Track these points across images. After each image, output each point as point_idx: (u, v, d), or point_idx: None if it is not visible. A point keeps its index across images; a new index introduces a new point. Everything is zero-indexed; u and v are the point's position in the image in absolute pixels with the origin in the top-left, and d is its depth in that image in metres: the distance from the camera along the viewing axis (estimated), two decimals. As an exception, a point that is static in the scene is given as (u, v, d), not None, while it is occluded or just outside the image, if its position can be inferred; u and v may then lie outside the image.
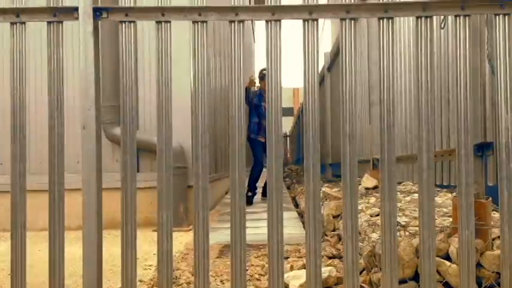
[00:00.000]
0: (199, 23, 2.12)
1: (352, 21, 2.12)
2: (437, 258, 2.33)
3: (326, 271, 2.77)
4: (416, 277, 2.43)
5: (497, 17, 2.09)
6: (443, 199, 3.53)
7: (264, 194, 7.68)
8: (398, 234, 2.43)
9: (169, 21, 2.12)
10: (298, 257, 3.59)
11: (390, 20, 2.11)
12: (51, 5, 2.11)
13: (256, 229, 4.53)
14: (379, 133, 2.11)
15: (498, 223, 2.22)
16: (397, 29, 4.79)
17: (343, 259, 2.13)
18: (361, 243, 2.93)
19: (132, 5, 2.12)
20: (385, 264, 2.08)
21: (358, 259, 2.12)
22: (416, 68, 2.12)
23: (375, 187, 4.77)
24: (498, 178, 2.07)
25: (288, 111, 29.28)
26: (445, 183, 3.81)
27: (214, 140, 7.22)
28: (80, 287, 2.41)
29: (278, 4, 2.11)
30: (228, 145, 2.18)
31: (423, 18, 2.10)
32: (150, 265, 3.51)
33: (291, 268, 3.16)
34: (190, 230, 4.71)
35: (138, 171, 5.79)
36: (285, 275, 2.72)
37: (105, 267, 3.21)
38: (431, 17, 2.11)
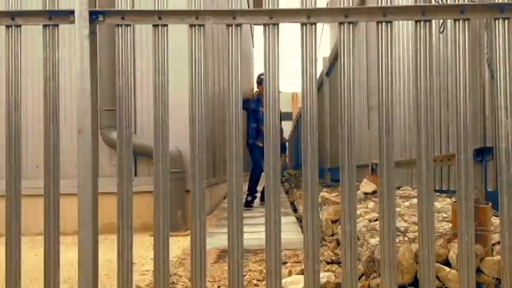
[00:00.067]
0: (197, 26, 2.11)
1: (351, 25, 2.11)
2: (437, 264, 2.31)
3: (324, 276, 2.75)
4: (415, 283, 2.41)
5: (496, 21, 2.08)
6: (443, 204, 3.52)
7: (262, 198, 7.67)
8: (397, 239, 2.41)
9: (166, 25, 2.11)
10: (296, 262, 3.57)
11: (389, 24, 2.10)
12: (47, 8, 2.10)
13: (255, 234, 4.51)
14: (377, 138, 2.10)
15: (498, 228, 2.20)
16: (395, 33, 4.78)
17: (341, 264, 2.12)
18: (359, 249, 2.91)
19: (129, 8, 2.10)
20: (384, 270, 2.07)
21: (356, 264, 2.10)
22: (415, 73, 2.10)
23: (374, 192, 4.76)
24: (498, 183, 2.06)
25: (286, 116, 29.31)
26: (444, 188, 3.80)
27: (213, 144, 7.20)
28: (75, 292, 2.38)
29: (276, 8, 2.10)
30: (226, 150, 2.16)
31: (422, 22, 2.09)
32: (147, 270, 3.48)
33: (290, 273, 3.14)
34: (188, 234, 4.69)
35: (135, 175, 5.78)
36: (283, 280, 2.70)
37: (102, 272, 3.19)
38: (430, 21, 2.10)
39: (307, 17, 2.09)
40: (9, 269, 2.10)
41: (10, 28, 2.11)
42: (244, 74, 7.55)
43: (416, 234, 2.43)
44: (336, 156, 7.82)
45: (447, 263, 2.43)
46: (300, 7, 2.10)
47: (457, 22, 2.09)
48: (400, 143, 4.84)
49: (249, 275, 3.26)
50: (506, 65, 2.05)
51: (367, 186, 5.00)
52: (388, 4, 2.09)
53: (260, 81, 7.39)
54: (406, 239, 2.66)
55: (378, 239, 2.67)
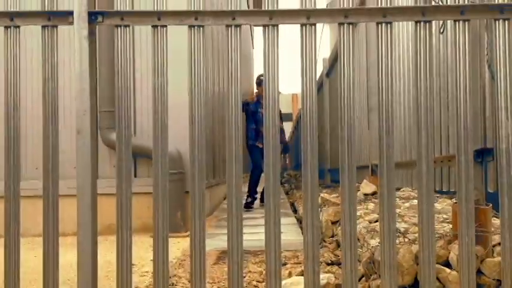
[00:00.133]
0: (196, 27, 2.10)
1: (351, 26, 2.10)
2: (437, 265, 2.30)
3: (324, 278, 2.75)
4: (415, 284, 2.40)
5: (497, 22, 2.07)
6: (443, 205, 3.51)
7: (262, 199, 7.65)
8: (397, 240, 2.40)
9: (166, 26, 2.10)
10: (296, 263, 3.57)
11: (389, 25, 2.09)
12: (46, 9, 2.09)
13: (254, 235, 4.50)
14: (377, 138, 2.09)
15: (498, 230, 2.20)
16: (395, 34, 4.78)
17: (341, 266, 2.11)
18: (360, 250, 2.90)
19: (128, 9, 2.10)
20: (384, 271, 2.06)
21: (357, 266, 2.09)
22: (416, 73, 2.10)
23: (374, 193, 4.75)
24: (498, 184, 2.05)
25: (286, 117, 29.28)
26: (444, 189, 3.79)
27: (212, 145, 7.19)
28: (75, 294, 2.38)
29: (275, 9, 2.09)
30: (226, 151, 2.16)
31: (422, 23, 2.09)
32: (146, 271, 3.47)
33: (289, 275, 3.13)
34: (187, 235, 4.69)
35: (135, 176, 5.78)
36: (283, 282, 2.69)
37: (101, 274, 3.18)
38: (430, 21, 2.09)
39: (307, 17, 2.09)
40: (8, 270, 2.09)
41: (9, 29, 2.10)
42: (244, 75, 7.53)
43: (416, 235, 2.43)
44: (336, 157, 7.81)
45: (447, 264, 2.42)
46: (299, 8, 2.10)
47: (457, 23, 2.08)
48: (400, 144, 4.83)
49: (249, 277, 3.26)
50: (506, 65, 2.04)
51: (367, 187, 4.99)
52: (388, 5, 2.09)
53: (259, 82, 7.36)
54: (406, 240, 2.66)
55: (378, 240, 2.67)
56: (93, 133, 2.08)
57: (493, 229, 2.43)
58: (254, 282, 3.14)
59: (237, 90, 2.12)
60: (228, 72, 2.12)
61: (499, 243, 2.23)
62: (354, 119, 2.10)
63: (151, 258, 2.14)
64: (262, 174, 6.48)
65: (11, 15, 2.08)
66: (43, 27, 2.10)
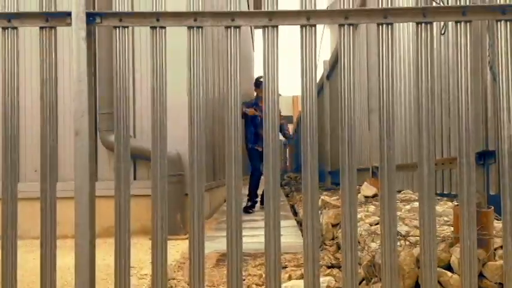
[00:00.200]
0: (195, 28, 2.09)
1: (351, 27, 2.09)
2: (439, 269, 2.29)
3: (325, 281, 2.73)
4: (416, 288, 2.38)
5: (498, 23, 2.06)
6: (444, 208, 3.49)
7: (262, 202, 7.62)
8: (398, 243, 2.39)
9: (164, 27, 2.09)
10: (296, 266, 3.54)
11: (390, 26, 2.08)
12: (44, 10, 2.08)
13: (254, 237, 4.48)
14: (378, 140, 2.08)
15: (500, 233, 2.18)
16: (396, 35, 4.77)
17: (342, 269, 2.10)
18: (360, 253, 2.88)
19: (126, 10, 2.08)
20: (385, 275, 2.04)
21: (357, 269, 2.08)
22: (417, 75, 2.09)
23: (375, 195, 4.73)
24: (500, 187, 2.03)
25: (287, 120, 29.25)
26: (445, 192, 3.77)
27: (212, 147, 7.18)
28: (73, 297, 2.36)
29: (275, 10, 2.08)
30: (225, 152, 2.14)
31: (423, 24, 2.07)
32: (145, 274, 3.45)
33: (289, 278, 3.11)
34: (187, 238, 4.68)
35: (134, 178, 5.76)
36: (283, 285, 2.67)
37: (100, 276, 3.17)
38: (431, 23, 2.08)
39: (307, 18, 2.07)
40: (5, 272, 2.08)
41: (6, 30, 2.09)
42: (244, 77, 7.50)
43: (417, 238, 2.41)
44: (337, 159, 7.79)
45: (449, 267, 2.41)
46: (299, 9, 2.08)
47: (458, 24, 2.07)
48: (401, 146, 4.82)
49: (249, 280, 3.24)
50: (508, 67, 2.03)
51: (367, 189, 4.98)
52: (389, 6, 2.07)
53: (258, 84, 7.28)
54: (407, 243, 2.64)
55: (378, 243, 2.65)
56: (91, 134, 2.07)
57: (494, 232, 2.42)
58: (254, 286, 3.12)
59: (237, 91, 2.10)
60: (227, 73, 2.11)
61: (501, 247, 2.22)
62: (354, 121, 2.08)
63: (151, 261, 2.13)
64: (262, 177, 6.44)
65: (9, 17, 2.07)
66: (41, 28, 2.09)
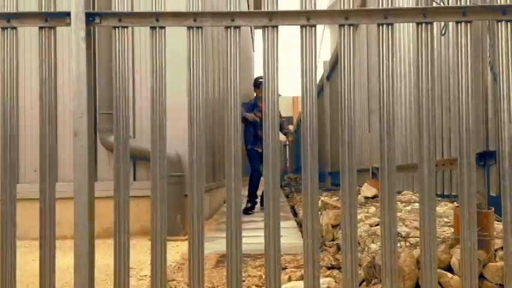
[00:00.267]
0: (195, 28, 2.08)
1: (351, 28, 2.08)
2: (439, 270, 2.28)
3: (325, 282, 2.72)
4: (417, 289, 2.37)
5: (499, 23, 2.05)
6: (444, 209, 3.48)
7: (262, 203, 7.59)
8: (398, 244, 2.38)
9: (164, 27, 2.08)
10: (296, 267, 3.54)
11: (390, 26, 2.07)
12: (43, 10, 2.07)
13: (254, 238, 4.47)
14: (378, 141, 2.07)
15: (501, 234, 2.17)
16: (397, 35, 4.76)
17: (342, 270, 2.09)
18: (360, 254, 2.88)
19: (126, 10, 2.08)
20: (385, 276, 2.03)
21: (357, 270, 2.07)
22: (417, 75, 2.08)
23: (375, 196, 4.73)
24: (501, 188, 2.03)
25: (287, 120, 29.24)
26: (446, 193, 3.76)
27: (213, 148, 7.17)
28: (72, 298, 2.36)
29: (275, 10, 2.07)
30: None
31: (424, 25, 2.07)
32: (145, 275, 3.44)
33: (289, 279, 3.10)
34: (187, 239, 4.68)
35: (134, 179, 5.75)
36: (283, 286, 2.66)
37: (99, 277, 3.16)
38: (432, 23, 2.07)
39: (307, 19, 2.07)
40: (4, 273, 2.07)
41: (6, 30, 2.08)
42: (244, 77, 7.47)
43: (417, 239, 2.40)
44: (337, 160, 7.79)
45: (449, 268, 2.40)
46: (299, 9, 2.07)
47: (459, 24, 2.06)
48: (402, 147, 4.81)
49: (248, 281, 3.23)
50: (509, 67, 2.02)
51: (367, 190, 4.97)
52: (389, 6, 2.07)
53: (258, 85, 7.20)
54: (407, 244, 2.63)
55: (379, 244, 2.64)
56: (90, 135, 2.06)
57: (495, 233, 2.41)
58: (253, 287, 3.11)
59: (237, 91, 2.10)
60: (227, 73, 2.10)
61: (502, 248, 2.21)
62: (354, 121, 2.07)
63: (150, 262, 2.12)
64: (262, 178, 6.41)
65: (8, 17, 2.07)
66: (40, 28, 2.08)
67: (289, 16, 2.07)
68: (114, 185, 2.11)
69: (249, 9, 12.92)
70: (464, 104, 2.04)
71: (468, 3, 2.07)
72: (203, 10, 2.07)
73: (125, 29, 2.09)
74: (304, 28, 2.08)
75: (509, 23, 2.03)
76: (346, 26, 2.08)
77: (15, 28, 2.09)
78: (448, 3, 2.40)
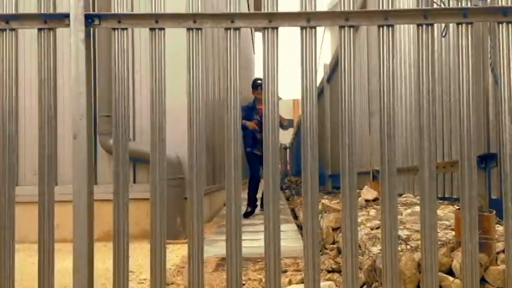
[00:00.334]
0: (194, 30, 2.08)
1: (352, 29, 2.08)
2: (440, 273, 2.26)
3: (325, 286, 2.70)
4: (418, 292, 2.36)
5: (500, 25, 2.04)
6: (445, 211, 3.47)
7: (262, 205, 7.51)
8: (399, 247, 2.36)
9: (163, 29, 2.07)
10: (296, 271, 3.52)
11: (390, 28, 2.07)
12: (42, 12, 2.06)
13: (254, 242, 4.46)
14: (379, 144, 2.06)
15: (502, 237, 2.16)
16: (397, 37, 4.75)
17: (342, 273, 2.07)
18: (361, 257, 2.86)
19: (125, 11, 2.07)
20: (386, 279, 2.02)
21: (358, 273, 2.06)
22: (418, 77, 2.07)
23: (375, 199, 4.71)
24: (502, 191, 2.01)
25: (288, 123, 29.24)
26: (446, 196, 3.75)
27: (213, 150, 7.15)
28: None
29: (275, 11, 2.07)
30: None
31: (424, 26, 2.06)
32: (144, 279, 3.43)
33: (290, 282, 3.09)
34: (187, 242, 4.66)
35: (134, 182, 5.73)
36: (283, 290, 2.65)
37: (99, 281, 3.15)
38: (432, 24, 2.06)
39: (307, 20, 2.06)
40: (2, 277, 2.06)
41: (4, 32, 2.08)
42: (245, 79, 7.43)
43: (418, 242, 2.38)
44: (337, 163, 7.77)
45: (450, 272, 2.38)
46: (299, 10, 2.07)
47: (459, 26, 2.05)
48: (402, 149, 4.80)
49: (249, 284, 3.21)
50: (510, 69, 2.01)
51: (368, 193, 4.95)
52: (390, 8, 2.06)
53: (256, 86, 7.09)
54: (408, 247, 2.61)
55: (379, 247, 2.63)
56: (89, 137, 2.05)
57: (496, 236, 2.39)
58: (254, 290, 3.10)
59: (237, 93, 2.09)
60: (227, 75, 2.09)
61: (503, 251, 2.19)
62: (354, 124, 2.06)
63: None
64: (262, 181, 6.33)
65: (7, 18, 2.06)
66: (39, 30, 2.07)
67: (289, 17, 2.06)
68: (114, 188, 2.10)
69: (249, 10, 12.93)
70: (465, 106, 2.03)
71: (469, 5, 2.06)
72: (203, 11, 2.07)
73: (125, 31, 2.08)
74: (304, 30, 2.07)
75: (510, 25, 2.03)
76: (346, 28, 2.07)
77: (14, 30, 2.08)
78: (449, 5, 2.39)
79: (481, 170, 2.48)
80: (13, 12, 2.07)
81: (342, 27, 2.07)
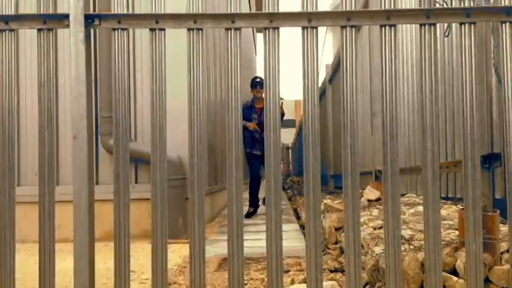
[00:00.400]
0: (195, 30, 2.07)
1: (353, 29, 2.06)
2: (444, 273, 2.25)
3: (328, 285, 2.69)
4: (421, 293, 2.35)
5: (503, 24, 2.03)
6: (449, 211, 3.45)
7: (264, 201, 7.46)
8: (402, 247, 2.35)
9: (164, 29, 2.06)
10: (299, 271, 3.51)
11: (393, 28, 2.05)
12: (42, 12, 2.06)
13: (257, 241, 4.45)
14: (381, 144, 2.05)
15: (506, 237, 2.15)
16: (399, 37, 4.74)
17: (345, 273, 2.06)
18: (364, 257, 2.85)
19: (125, 11, 2.06)
20: (389, 279, 2.01)
21: (361, 273, 2.05)
22: (420, 77, 2.06)
23: (378, 199, 4.69)
24: (506, 190, 2.00)
25: (290, 123, 29.27)
26: (450, 195, 3.74)
27: (215, 150, 7.14)
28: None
29: (276, 11, 2.05)
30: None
31: (427, 26, 2.05)
32: (146, 278, 3.42)
33: (292, 282, 3.08)
34: (188, 242, 4.64)
35: (136, 182, 5.72)
36: (285, 290, 2.64)
37: (101, 280, 3.14)
38: (435, 24, 2.05)
39: (308, 20, 2.05)
40: (3, 277, 2.06)
41: (4, 32, 2.07)
42: (246, 80, 7.46)
43: (422, 242, 2.37)
44: (339, 163, 7.76)
45: (454, 272, 2.37)
46: (300, 10, 2.06)
47: (462, 26, 2.04)
48: (405, 149, 4.78)
49: (251, 284, 3.20)
50: (513, 68, 2.00)
51: (370, 193, 4.93)
52: (392, 7, 2.05)
53: (255, 84, 7.05)
54: (411, 247, 2.60)
55: (382, 247, 2.62)
56: (90, 138, 2.04)
57: (500, 236, 2.38)
58: (256, 290, 3.09)
59: (237, 94, 2.08)
60: (228, 75, 2.08)
61: (507, 251, 2.18)
62: (357, 124, 2.05)
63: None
64: (263, 182, 6.30)
65: (6, 19, 2.05)
66: (39, 30, 2.07)
67: (290, 17, 2.05)
68: (114, 188, 2.09)
69: (250, 10, 12.91)
70: (469, 106, 2.01)
71: (472, 5, 2.05)
72: (203, 11, 2.06)
73: (125, 31, 2.08)
74: (305, 30, 2.06)
75: (513, 24, 2.01)
76: (348, 28, 2.06)
77: (13, 30, 2.07)
78: (452, 5, 2.38)
79: (484, 169, 2.47)
80: (13, 12, 2.06)
81: (343, 27, 2.06)
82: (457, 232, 2.64)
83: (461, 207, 2.46)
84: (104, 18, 2.05)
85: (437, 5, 2.14)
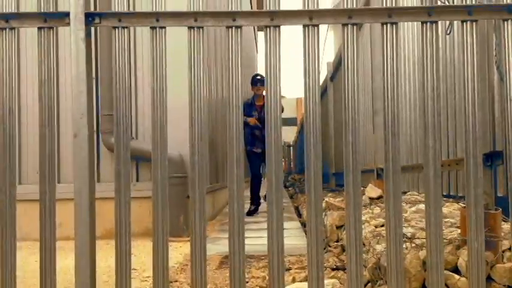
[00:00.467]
0: (195, 28, 2.06)
1: (355, 27, 2.06)
2: (446, 271, 2.25)
3: (329, 283, 2.69)
4: (423, 291, 2.34)
5: (505, 22, 2.02)
6: (450, 209, 3.45)
7: (265, 198, 7.44)
8: (404, 245, 2.35)
9: (164, 27, 2.06)
10: (300, 268, 3.51)
11: (394, 26, 2.05)
12: (42, 10, 2.05)
13: (258, 239, 4.44)
14: (383, 141, 2.05)
15: (509, 235, 2.14)
16: (401, 34, 4.73)
17: (347, 271, 2.06)
18: (365, 255, 2.85)
19: (126, 10, 2.06)
20: (391, 277, 2.01)
21: (362, 271, 2.05)
22: (422, 75, 2.05)
23: (380, 197, 4.69)
24: (508, 188, 2.00)
25: (291, 121, 29.29)
26: (451, 193, 3.73)
27: (216, 148, 7.14)
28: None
29: (277, 9, 2.05)
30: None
31: (428, 24, 2.04)
32: (148, 276, 3.42)
33: (293, 280, 3.08)
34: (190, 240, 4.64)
35: (137, 180, 5.73)
36: (287, 287, 2.64)
37: (102, 279, 3.15)
38: (436, 22, 2.04)
39: (310, 18, 2.04)
40: (4, 274, 2.06)
41: (4, 31, 2.07)
42: (247, 78, 7.45)
43: (423, 240, 2.37)
44: (341, 161, 7.76)
45: (456, 270, 2.37)
46: (301, 8, 2.05)
47: (464, 23, 2.03)
48: (407, 147, 4.78)
49: (252, 282, 3.21)
50: (515, 66, 1.99)
51: (372, 191, 4.93)
52: (393, 5, 2.04)
53: (255, 82, 7.04)
54: (413, 245, 2.60)
55: (384, 245, 2.61)
56: (91, 136, 2.04)
57: (503, 234, 2.37)
58: (257, 288, 3.09)
59: (238, 91, 2.08)
60: (228, 73, 2.08)
61: (510, 249, 2.18)
62: (358, 122, 2.05)
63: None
64: (263, 180, 6.29)
65: (7, 17, 2.05)
66: (39, 28, 2.06)
67: (291, 15, 2.05)
68: (115, 186, 2.10)
69: (251, 8, 12.90)
70: (471, 104, 2.01)
71: (474, 2, 2.04)
72: (204, 10, 2.05)
73: (125, 29, 2.07)
74: (306, 28, 2.06)
75: (515, 21, 2.00)
76: (349, 26, 2.05)
77: (13, 29, 2.07)
78: (454, 2, 2.37)
79: (486, 167, 2.46)
80: (13, 11, 2.06)
81: (344, 25, 2.05)
82: (459, 230, 2.64)
83: (463, 205, 2.46)
84: (104, 17, 2.04)
85: (439, 3, 2.13)
